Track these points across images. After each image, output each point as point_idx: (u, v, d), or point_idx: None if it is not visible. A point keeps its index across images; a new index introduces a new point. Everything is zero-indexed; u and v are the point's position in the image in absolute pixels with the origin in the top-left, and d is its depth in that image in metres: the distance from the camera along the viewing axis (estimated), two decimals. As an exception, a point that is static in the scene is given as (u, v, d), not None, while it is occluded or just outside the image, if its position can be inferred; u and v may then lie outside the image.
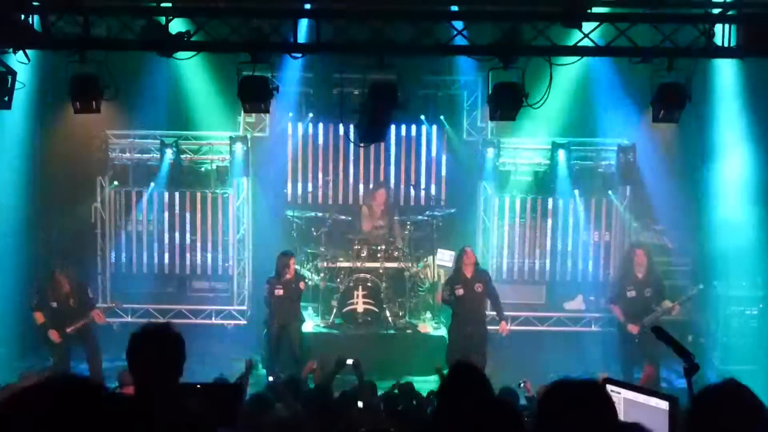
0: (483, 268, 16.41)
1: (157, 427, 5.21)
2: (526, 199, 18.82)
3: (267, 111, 13.22)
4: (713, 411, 4.70)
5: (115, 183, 18.58)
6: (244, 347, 16.97)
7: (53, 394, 3.04)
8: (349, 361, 12.83)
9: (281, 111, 18.53)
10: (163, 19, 11.72)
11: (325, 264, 17.87)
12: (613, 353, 15.91)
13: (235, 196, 18.80)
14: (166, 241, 18.75)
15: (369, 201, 18.82)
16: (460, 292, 15.48)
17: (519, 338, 17.50)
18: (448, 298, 15.69)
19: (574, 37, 12.05)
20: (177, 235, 18.76)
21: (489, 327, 15.88)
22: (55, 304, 15.14)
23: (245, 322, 18.68)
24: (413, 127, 19.62)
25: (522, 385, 12.23)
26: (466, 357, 14.21)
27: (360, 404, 10.99)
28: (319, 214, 18.38)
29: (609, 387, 6.74)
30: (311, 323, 17.46)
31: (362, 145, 15.65)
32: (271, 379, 13.19)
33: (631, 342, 15.38)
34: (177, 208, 18.72)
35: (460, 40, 12.15)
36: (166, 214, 18.71)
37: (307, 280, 17.14)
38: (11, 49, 11.64)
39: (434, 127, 19.59)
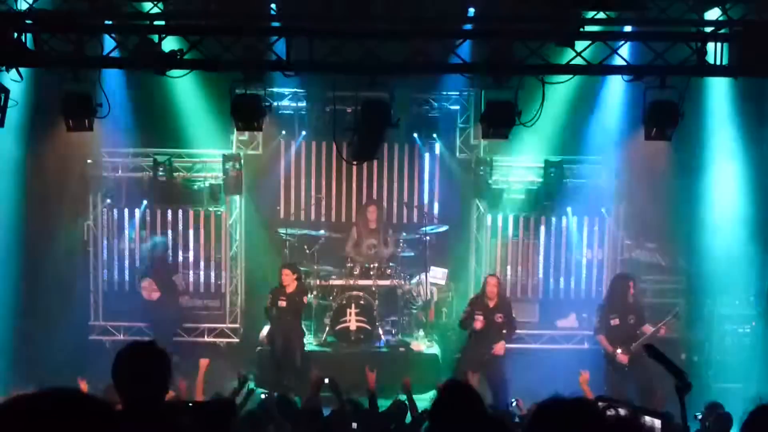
0: (506, 297, 16.29)
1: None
2: (518, 217, 18.80)
3: (260, 129, 13.25)
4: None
5: (108, 201, 18.54)
6: (237, 365, 16.97)
7: (44, 405, 3.03)
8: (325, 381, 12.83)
9: (274, 129, 18.56)
10: (156, 37, 11.74)
11: (317, 282, 17.88)
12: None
13: (227, 214, 18.77)
14: (159, 258, 18.69)
15: (361, 217, 18.85)
16: (479, 324, 15.45)
17: (511, 356, 17.47)
18: (465, 323, 15.65)
19: (567, 56, 12.08)
20: (169, 252, 18.71)
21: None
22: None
23: (238, 340, 18.64)
24: (406, 145, 19.61)
25: (515, 403, 12.23)
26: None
27: (354, 425, 10.96)
28: (312, 232, 18.37)
29: (601, 404, 6.73)
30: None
31: (355, 163, 15.68)
32: (263, 396, 13.15)
33: (621, 371, 15.28)
34: (169, 226, 18.68)
35: (452, 59, 12.17)
36: (159, 232, 18.66)
37: (311, 295, 17.20)
38: (4, 67, 11.64)
39: (427, 145, 19.62)
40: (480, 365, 15.50)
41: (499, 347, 15.62)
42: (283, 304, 16.25)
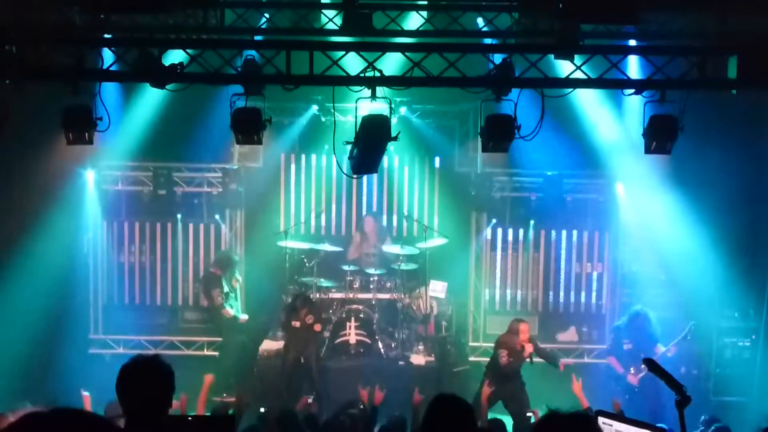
0: (536, 342, 15.65)
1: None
2: (518, 231, 18.78)
3: (260, 142, 13.22)
4: None
5: (108, 214, 18.52)
6: (237, 378, 16.97)
7: (47, 424, 3.03)
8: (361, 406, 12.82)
9: (274, 142, 18.55)
10: (156, 51, 11.75)
11: (317, 295, 17.84)
12: (607, 390, 15.76)
13: (227, 227, 18.76)
14: (158, 272, 18.68)
15: (360, 227, 18.89)
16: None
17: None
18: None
19: (567, 69, 12.08)
20: (169, 266, 18.70)
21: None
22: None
23: (237, 353, 18.61)
24: (406, 159, 19.62)
25: (530, 415, 12.25)
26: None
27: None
28: (312, 245, 18.36)
29: (601, 419, 6.73)
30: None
31: (355, 176, 15.65)
32: (262, 410, 13.12)
33: (631, 392, 15.22)
34: (169, 239, 18.67)
35: (452, 72, 12.18)
36: (158, 245, 18.66)
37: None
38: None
39: (427, 159, 19.61)
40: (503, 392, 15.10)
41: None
42: (297, 324, 16.52)
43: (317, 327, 16.59)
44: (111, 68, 11.95)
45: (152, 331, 18.38)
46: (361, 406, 12.57)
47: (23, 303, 16.31)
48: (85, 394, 11.75)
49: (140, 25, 12.61)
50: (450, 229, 19.18)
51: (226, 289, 17.41)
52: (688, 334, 15.55)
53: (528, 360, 14.93)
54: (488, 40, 13.92)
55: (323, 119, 18.36)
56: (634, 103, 12.52)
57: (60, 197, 17.50)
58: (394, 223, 19.84)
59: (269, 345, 17.72)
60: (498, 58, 12.34)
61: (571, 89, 12.42)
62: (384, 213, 19.66)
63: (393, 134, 12.09)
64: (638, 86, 11.99)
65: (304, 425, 11.42)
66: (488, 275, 18.87)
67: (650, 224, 17.84)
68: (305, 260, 18.19)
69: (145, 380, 5.43)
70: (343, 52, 12.29)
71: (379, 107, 12.29)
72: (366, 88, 12.02)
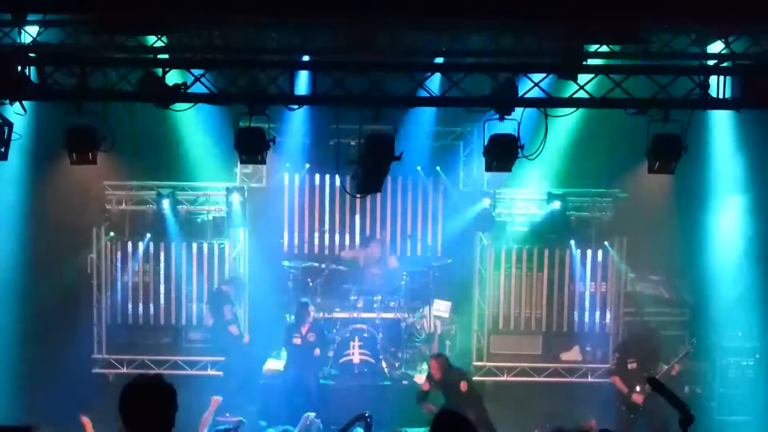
0: (450, 375, 15.39)
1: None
2: (522, 250, 18.76)
3: (263, 162, 13.21)
4: None
5: (112, 234, 18.54)
6: (240, 398, 16.93)
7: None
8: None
9: (278, 162, 18.58)
10: (160, 71, 11.76)
11: (321, 314, 17.82)
12: (610, 408, 15.70)
13: (231, 247, 18.75)
14: (162, 291, 18.66)
15: (364, 251, 18.89)
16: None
17: (514, 389, 17.46)
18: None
19: (570, 89, 12.08)
20: (173, 285, 18.69)
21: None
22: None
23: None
24: (410, 178, 19.65)
25: None
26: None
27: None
28: (315, 265, 18.35)
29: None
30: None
31: (359, 196, 15.64)
32: (270, 432, 13.11)
33: (636, 411, 15.15)
34: (173, 258, 18.66)
35: (456, 92, 12.18)
36: (162, 265, 18.66)
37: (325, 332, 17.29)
38: (7, 101, 11.66)
39: (430, 178, 19.64)
40: None
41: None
42: (297, 341, 16.56)
43: (317, 351, 16.60)
44: (115, 88, 11.96)
45: (156, 351, 18.35)
46: (368, 419, 12.53)
47: (27, 322, 16.31)
48: (85, 419, 11.72)
49: (144, 45, 12.63)
50: (454, 249, 19.23)
51: (236, 307, 17.49)
52: (690, 352, 15.51)
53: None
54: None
55: (327, 139, 18.34)
56: (638, 122, 12.46)
57: (64, 217, 17.53)
58: (398, 243, 19.85)
59: (272, 364, 17.72)
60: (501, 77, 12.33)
61: (575, 108, 12.42)
62: (388, 232, 19.67)
63: (396, 154, 12.08)
64: (641, 106, 11.99)
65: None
66: (492, 294, 18.83)
67: (653, 243, 17.84)
68: (309, 280, 18.19)
69: (148, 400, 5.42)
70: (346, 72, 12.28)
71: (383, 127, 12.29)
72: (370, 108, 12.02)
